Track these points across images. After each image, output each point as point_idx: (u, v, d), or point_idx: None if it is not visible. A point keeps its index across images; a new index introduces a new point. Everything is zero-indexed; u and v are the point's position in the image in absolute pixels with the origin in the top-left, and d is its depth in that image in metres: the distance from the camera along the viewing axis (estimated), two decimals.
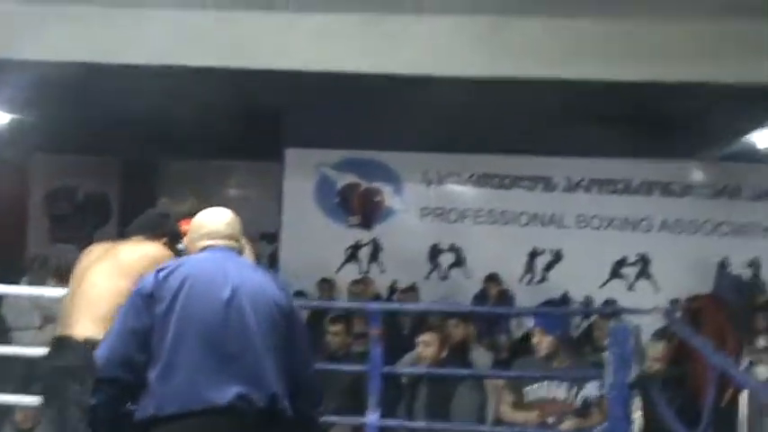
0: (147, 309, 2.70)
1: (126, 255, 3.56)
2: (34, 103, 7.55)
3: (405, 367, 5.35)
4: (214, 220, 3.03)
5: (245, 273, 2.84)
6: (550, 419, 4.59)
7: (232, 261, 2.88)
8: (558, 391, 4.65)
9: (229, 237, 2.99)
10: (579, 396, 4.61)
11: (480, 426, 4.77)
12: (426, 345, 4.94)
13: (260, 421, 2.64)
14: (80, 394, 3.30)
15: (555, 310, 6.13)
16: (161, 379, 2.62)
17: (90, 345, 3.35)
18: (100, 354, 2.71)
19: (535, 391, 4.70)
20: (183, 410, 2.58)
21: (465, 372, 4.93)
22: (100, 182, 9.93)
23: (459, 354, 5.28)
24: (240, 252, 3.02)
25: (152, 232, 3.69)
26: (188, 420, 2.58)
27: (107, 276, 3.51)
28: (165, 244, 3.64)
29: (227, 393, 2.59)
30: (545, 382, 4.66)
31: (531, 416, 4.61)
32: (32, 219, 9.94)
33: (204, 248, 2.95)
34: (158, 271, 2.77)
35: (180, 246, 3.65)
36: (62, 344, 3.47)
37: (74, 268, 3.67)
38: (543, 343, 4.68)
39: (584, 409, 4.61)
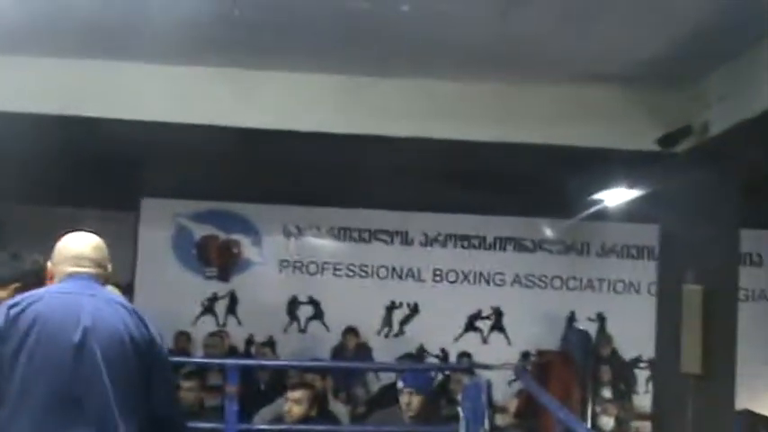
0: None
1: None
2: None
3: (263, 423, 5.29)
4: (80, 244, 2.88)
5: (101, 311, 2.70)
6: None
7: (91, 297, 2.73)
8: None
9: (96, 263, 2.86)
10: None
11: None
12: (296, 402, 4.84)
13: None
14: None
15: (413, 366, 6.22)
16: (7, 423, 2.54)
17: None
18: None
19: None
20: None
21: (327, 428, 4.87)
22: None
23: (321, 408, 5.22)
24: (106, 280, 2.88)
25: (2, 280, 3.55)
26: None
27: None
28: (16, 290, 3.51)
29: None
30: None
31: None
32: None
33: (69, 275, 2.82)
34: (10, 307, 2.64)
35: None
36: None
37: None
38: (413, 403, 4.67)
39: None
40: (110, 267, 2.90)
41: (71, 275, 2.81)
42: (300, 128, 5.77)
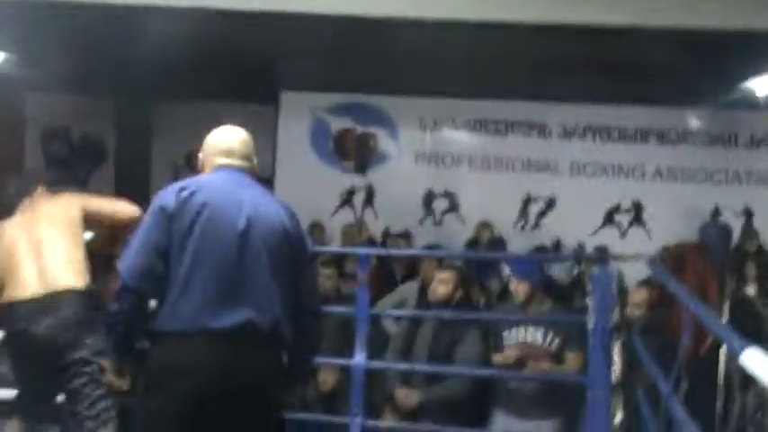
0: (168, 226, 2.79)
1: (55, 210, 3.74)
2: (29, 42, 7.51)
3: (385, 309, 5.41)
4: (229, 138, 3.06)
5: (258, 201, 2.91)
6: (528, 362, 4.67)
7: (246, 188, 2.94)
8: (535, 335, 4.73)
9: (244, 157, 3.05)
10: (557, 340, 4.70)
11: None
12: (443, 282, 4.92)
13: (262, 344, 2.80)
14: (96, 344, 3.54)
15: (544, 257, 6.19)
16: (175, 298, 2.75)
17: (87, 295, 3.58)
18: (125, 265, 2.79)
19: (513, 335, 4.77)
20: (192, 330, 2.73)
21: (469, 316, 4.94)
22: (95, 124, 9.91)
23: (466, 294, 5.28)
24: (252, 173, 3.06)
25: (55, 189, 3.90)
26: (196, 339, 2.72)
27: (57, 232, 3.66)
28: None
29: (235, 318, 2.74)
30: (522, 327, 4.74)
31: (509, 356, 4.69)
32: (29, 160, 9.95)
33: (220, 166, 3.00)
34: (179, 190, 2.84)
35: None
36: (57, 299, 3.57)
37: None
38: (520, 290, 4.76)
39: (560, 354, 4.70)
40: (255, 161, 3.08)
41: (222, 167, 2.99)
42: (438, 16, 5.70)
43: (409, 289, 5.52)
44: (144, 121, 9.84)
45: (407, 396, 4.83)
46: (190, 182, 2.92)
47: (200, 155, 3.11)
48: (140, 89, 9.23)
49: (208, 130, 3.10)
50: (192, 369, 2.70)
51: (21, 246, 3.67)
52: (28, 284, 3.64)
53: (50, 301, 3.58)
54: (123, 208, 3.87)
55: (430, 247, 7.44)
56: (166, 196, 2.84)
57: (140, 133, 9.71)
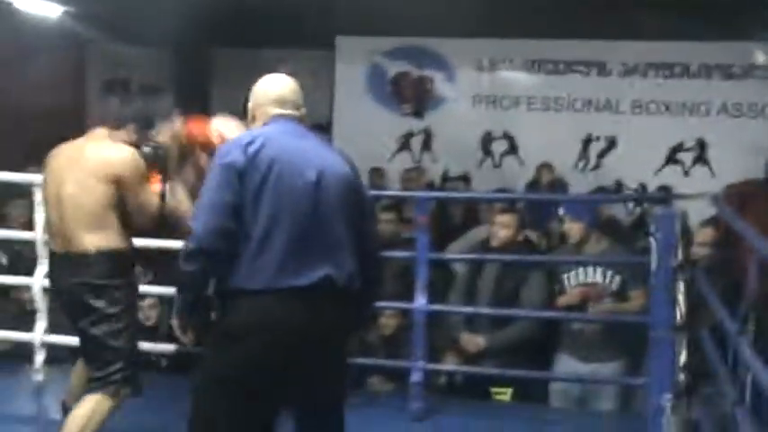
0: (238, 184, 2.70)
1: (96, 157, 3.45)
2: None
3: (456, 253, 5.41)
4: (281, 87, 2.99)
5: (322, 152, 2.87)
6: (590, 302, 4.67)
7: (308, 139, 2.89)
8: (595, 275, 4.71)
9: (296, 106, 2.98)
10: (617, 279, 4.68)
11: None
12: (504, 226, 4.90)
13: (338, 299, 2.77)
14: (99, 301, 3.39)
15: (606, 198, 6.13)
16: (252, 256, 2.69)
17: (103, 257, 3.39)
18: (198, 225, 2.72)
19: (574, 277, 4.76)
20: (270, 287, 2.68)
21: (531, 258, 4.93)
22: (153, 72, 10.01)
23: (527, 240, 5.26)
24: (304, 122, 2.99)
25: (117, 122, 3.61)
26: (273, 296, 2.68)
27: (80, 186, 3.41)
28: (129, 132, 3.59)
29: (314, 275, 2.70)
30: (581, 268, 4.73)
31: (571, 297, 4.69)
32: (90, 111, 10.10)
33: (274, 116, 2.93)
34: (246, 144, 2.75)
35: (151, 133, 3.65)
36: (73, 258, 3.43)
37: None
38: (573, 230, 4.74)
39: (622, 293, 4.68)
40: (304, 111, 3.01)
41: (277, 118, 2.92)
42: None
43: (480, 233, 5.50)
44: (203, 69, 9.91)
45: (472, 341, 4.86)
46: (254, 135, 2.82)
47: (250, 105, 3.03)
48: (199, 37, 9.27)
49: (264, 75, 3.00)
50: (272, 327, 2.68)
51: (52, 189, 3.51)
52: (53, 236, 3.55)
53: (67, 261, 3.45)
54: (147, 206, 3.54)
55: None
56: (233, 152, 2.75)
57: (199, 81, 9.78)
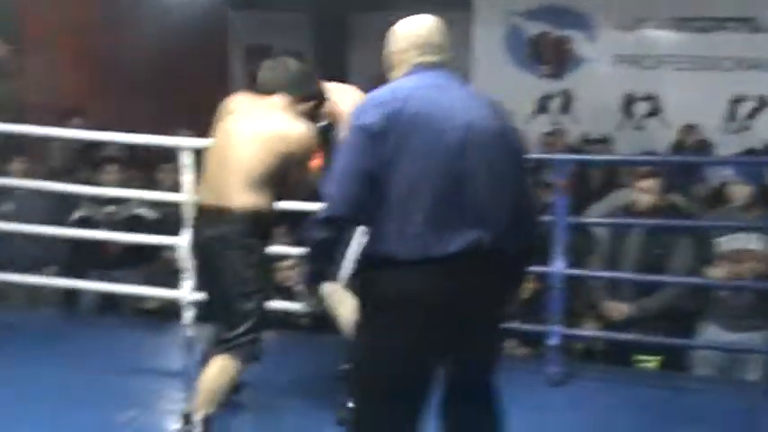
0: (374, 147, 2.49)
1: (273, 128, 3.42)
2: None
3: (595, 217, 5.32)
4: (425, 29, 2.68)
5: (471, 104, 2.57)
6: (745, 270, 4.50)
7: (455, 89, 2.61)
8: (750, 241, 4.53)
9: (443, 50, 2.68)
10: None
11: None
12: (645, 191, 4.77)
13: (492, 265, 2.54)
14: (236, 259, 3.36)
15: (753, 159, 5.87)
16: (394, 223, 2.49)
17: (248, 216, 3.37)
18: (332, 193, 2.55)
19: (728, 242, 4.59)
20: (417, 257, 2.47)
21: (675, 223, 4.80)
22: (293, 39, 10.17)
23: (673, 204, 5.11)
24: (449, 68, 2.70)
25: (298, 92, 3.53)
26: (422, 267, 2.48)
27: (253, 147, 3.38)
28: (311, 107, 3.55)
29: (463, 239, 2.47)
30: (739, 233, 4.55)
31: (721, 271, 4.52)
32: (233, 75, 10.38)
33: (417, 65, 2.66)
34: (384, 103, 2.52)
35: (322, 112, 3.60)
36: (219, 214, 3.41)
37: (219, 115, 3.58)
38: (739, 193, 4.55)
39: None
40: (451, 55, 2.73)
41: (420, 66, 2.65)
42: None
43: (622, 197, 5.38)
44: (341, 33, 10.00)
45: (616, 308, 4.77)
46: (391, 92, 2.56)
47: (388, 52, 2.73)
48: (336, 3, 9.36)
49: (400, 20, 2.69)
50: (424, 296, 2.49)
51: (222, 141, 3.50)
52: (206, 188, 3.56)
53: (211, 214, 3.45)
54: (308, 182, 3.60)
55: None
56: (368, 113, 2.52)
57: (338, 46, 9.88)
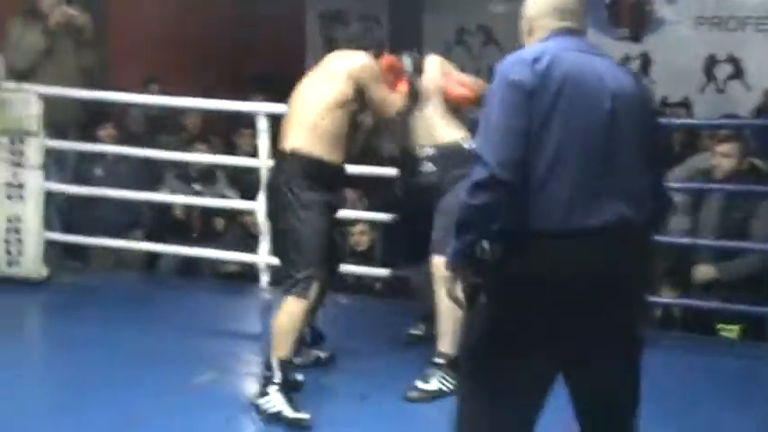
0: (526, 106, 2.34)
1: (335, 63, 3.70)
2: None
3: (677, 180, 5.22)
4: None
5: (618, 75, 2.46)
6: None
7: (597, 56, 2.49)
8: None
9: (580, 17, 2.57)
10: None
11: None
12: (725, 155, 4.68)
13: (637, 242, 2.41)
14: (292, 203, 3.51)
15: None
16: (537, 191, 2.33)
17: (296, 157, 3.53)
18: (490, 153, 2.34)
19: None
20: (561, 228, 2.33)
21: (757, 188, 4.66)
22: (368, 3, 10.15)
23: (755, 168, 4.95)
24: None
25: (357, 44, 3.80)
26: (563, 240, 2.33)
27: (314, 87, 3.63)
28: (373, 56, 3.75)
29: (608, 213, 2.33)
30: None
31: None
32: (309, 41, 10.42)
33: (556, 31, 2.53)
34: (532, 62, 2.37)
35: None
36: (280, 157, 3.65)
37: None
38: None
39: None
40: (587, 22, 2.62)
41: (559, 31, 2.53)
42: None
43: (701, 161, 5.27)
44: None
45: (703, 270, 4.69)
46: (540, 51, 2.42)
47: (525, 17, 2.61)
48: None
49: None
50: (566, 274, 2.32)
51: (296, 90, 3.75)
52: (283, 133, 3.72)
53: (280, 157, 3.66)
54: (393, 101, 3.77)
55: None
56: (521, 69, 2.36)
57: (412, 10, 9.81)
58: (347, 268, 5.32)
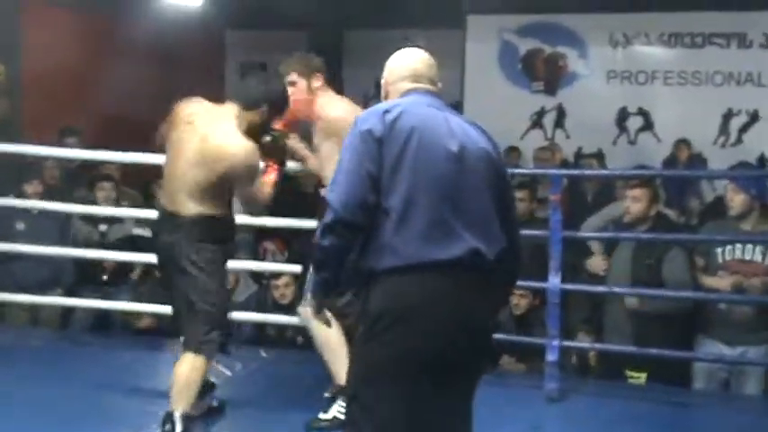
0: (377, 152, 2.55)
1: (216, 144, 3.51)
2: None
3: (590, 230, 5.34)
4: (415, 61, 2.83)
5: (466, 129, 2.68)
6: (745, 282, 4.49)
7: (448, 112, 2.72)
8: (754, 254, 4.53)
9: (432, 80, 2.82)
10: None
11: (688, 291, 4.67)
12: (635, 200, 4.83)
13: (488, 275, 2.59)
14: (190, 263, 3.52)
15: (746, 173, 5.89)
16: (393, 230, 2.53)
17: (199, 221, 3.52)
18: (337, 196, 2.55)
19: (729, 252, 4.59)
20: (415, 262, 2.50)
21: (653, 235, 4.81)
22: (288, 55, 10.21)
23: (663, 215, 5.14)
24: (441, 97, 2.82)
25: (250, 103, 3.62)
26: (420, 274, 2.51)
27: (195, 162, 3.51)
28: (261, 113, 3.62)
29: (460, 247, 2.52)
30: (738, 244, 4.55)
31: (725, 282, 4.53)
32: (228, 90, 10.42)
33: (408, 91, 2.78)
34: (384, 112, 2.60)
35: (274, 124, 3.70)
36: (172, 219, 3.58)
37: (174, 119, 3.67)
38: (736, 200, 4.55)
39: None
40: (440, 86, 2.87)
41: (411, 92, 2.77)
42: None
43: (616, 210, 5.42)
44: (335, 51, 10.04)
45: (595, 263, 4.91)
46: (393, 105, 2.66)
47: (383, 82, 2.87)
48: (331, 20, 9.41)
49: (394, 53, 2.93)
50: (423, 307, 2.49)
51: (173, 147, 3.62)
52: (164, 191, 3.70)
53: (168, 219, 3.61)
54: (259, 198, 3.68)
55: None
56: (371, 119, 2.60)
57: (332, 63, 9.90)
58: (269, 320, 5.30)
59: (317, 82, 3.95)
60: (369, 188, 2.53)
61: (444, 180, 2.56)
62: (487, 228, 2.60)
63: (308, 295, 2.84)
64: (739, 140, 8.52)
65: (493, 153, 2.72)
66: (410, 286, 2.51)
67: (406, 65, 2.83)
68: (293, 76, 3.92)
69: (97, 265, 5.86)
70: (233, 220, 3.74)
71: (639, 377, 4.77)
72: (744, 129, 8.51)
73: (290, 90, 3.84)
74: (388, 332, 2.51)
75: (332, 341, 3.76)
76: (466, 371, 2.64)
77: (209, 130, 3.55)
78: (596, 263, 5.06)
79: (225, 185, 3.58)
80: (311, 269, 2.77)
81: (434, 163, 2.56)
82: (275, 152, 3.76)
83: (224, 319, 3.64)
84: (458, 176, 2.58)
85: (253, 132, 3.60)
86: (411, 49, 2.89)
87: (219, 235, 3.62)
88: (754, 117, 8.47)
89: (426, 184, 2.54)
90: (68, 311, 5.84)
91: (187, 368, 3.51)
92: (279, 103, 3.69)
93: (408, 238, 2.51)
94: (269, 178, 3.74)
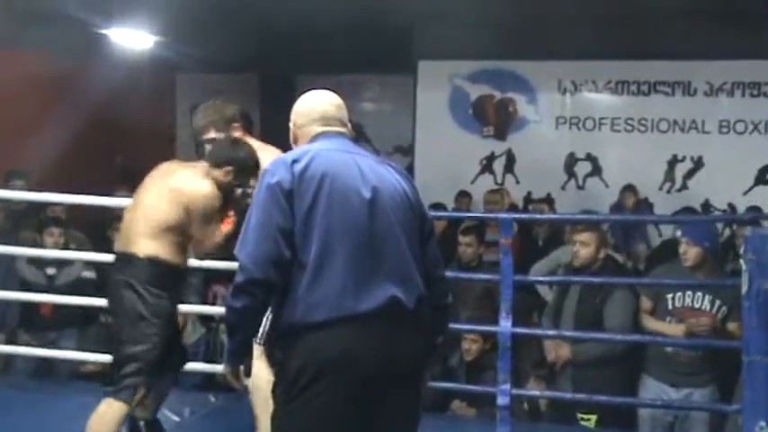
0: (288, 205, 2.47)
1: (178, 182, 3.56)
2: (177, 25, 7.82)
3: (539, 275, 5.40)
4: (324, 103, 2.76)
5: (377, 169, 2.63)
6: (696, 330, 4.54)
7: (359, 154, 2.66)
8: (703, 302, 4.59)
9: (342, 122, 2.76)
10: (724, 309, 4.56)
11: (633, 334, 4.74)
12: (583, 244, 4.88)
13: (409, 322, 2.53)
14: (133, 302, 3.48)
15: (692, 218, 6.00)
16: (308, 284, 2.45)
17: (152, 264, 3.50)
18: (247, 254, 2.46)
19: (679, 299, 4.66)
20: (333, 317, 2.44)
21: (603, 279, 4.87)
22: (240, 99, 10.21)
23: (611, 259, 5.21)
24: (352, 138, 2.78)
25: (217, 161, 3.62)
26: (339, 327, 2.44)
27: (157, 197, 3.55)
28: (227, 173, 3.60)
29: (379, 297, 2.47)
30: (688, 291, 4.62)
31: (677, 329, 4.58)
32: (179, 133, 10.37)
33: (319, 134, 2.71)
34: (292, 162, 2.53)
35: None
36: (125, 258, 3.56)
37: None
38: (690, 253, 4.61)
39: (724, 323, 4.56)
40: (350, 126, 2.82)
41: (322, 135, 2.70)
42: None
43: (564, 254, 5.48)
44: (287, 94, 10.06)
45: (559, 348, 4.85)
46: (302, 152, 2.58)
47: (291, 126, 2.80)
48: (282, 64, 9.44)
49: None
50: (344, 361, 2.42)
51: (138, 193, 3.67)
52: (119, 233, 3.73)
53: (119, 259, 3.60)
54: (211, 240, 3.64)
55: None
56: (279, 171, 2.51)
57: (284, 106, 9.91)
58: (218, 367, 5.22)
59: (237, 132, 3.81)
60: (281, 243, 2.45)
61: (358, 228, 2.50)
62: (405, 274, 2.54)
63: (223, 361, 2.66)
64: (684, 186, 8.66)
65: (409, 192, 2.66)
66: (329, 341, 2.43)
67: (316, 107, 2.76)
68: (211, 133, 3.80)
69: (43, 308, 5.75)
70: (186, 269, 3.72)
71: (590, 419, 4.79)
72: (688, 175, 8.65)
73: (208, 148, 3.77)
74: (308, 390, 2.44)
75: (263, 394, 3.34)
76: (402, 395, 2.56)
77: (175, 173, 3.62)
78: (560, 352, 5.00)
79: (183, 227, 3.55)
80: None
81: (347, 211, 2.50)
82: (239, 205, 3.70)
83: (151, 366, 3.51)
84: (372, 223, 2.51)
85: (218, 188, 3.61)
86: (319, 90, 2.82)
87: (170, 281, 3.58)
88: (698, 163, 8.62)
89: (341, 233, 2.48)
90: (10, 355, 5.71)
91: (100, 413, 3.43)
92: (243, 166, 3.63)
93: (325, 293, 2.44)
94: (224, 227, 3.69)
